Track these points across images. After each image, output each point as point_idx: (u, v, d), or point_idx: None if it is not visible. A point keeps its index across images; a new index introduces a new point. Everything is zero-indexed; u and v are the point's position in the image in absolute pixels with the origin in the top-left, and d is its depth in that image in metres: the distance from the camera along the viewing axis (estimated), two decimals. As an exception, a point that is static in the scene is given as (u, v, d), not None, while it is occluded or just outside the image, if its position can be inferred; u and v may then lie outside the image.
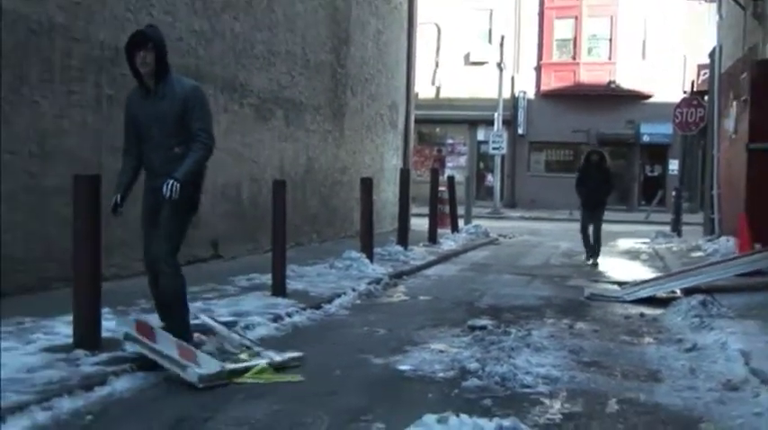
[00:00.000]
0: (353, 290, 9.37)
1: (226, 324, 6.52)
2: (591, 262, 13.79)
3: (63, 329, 6.18)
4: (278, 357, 5.92)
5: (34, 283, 8.04)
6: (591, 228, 13.89)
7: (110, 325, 6.29)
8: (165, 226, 5.79)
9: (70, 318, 6.04)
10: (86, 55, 8.88)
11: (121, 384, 5.12)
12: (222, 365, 5.46)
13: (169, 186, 5.59)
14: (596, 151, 14.37)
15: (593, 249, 13.91)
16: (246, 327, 6.90)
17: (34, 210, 8.07)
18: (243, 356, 5.90)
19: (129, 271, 9.14)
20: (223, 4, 11.61)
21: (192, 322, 6.25)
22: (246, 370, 5.56)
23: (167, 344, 5.50)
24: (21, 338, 5.98)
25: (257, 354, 5.94)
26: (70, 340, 5.83)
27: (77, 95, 8.77)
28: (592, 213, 13.88)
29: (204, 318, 6.56)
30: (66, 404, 4.65)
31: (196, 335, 6.07)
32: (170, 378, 5.37)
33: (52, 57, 8.37)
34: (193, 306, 7.69)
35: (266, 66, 12.99)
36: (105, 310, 6.30)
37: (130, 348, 5.67)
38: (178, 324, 5.83)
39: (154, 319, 5.98)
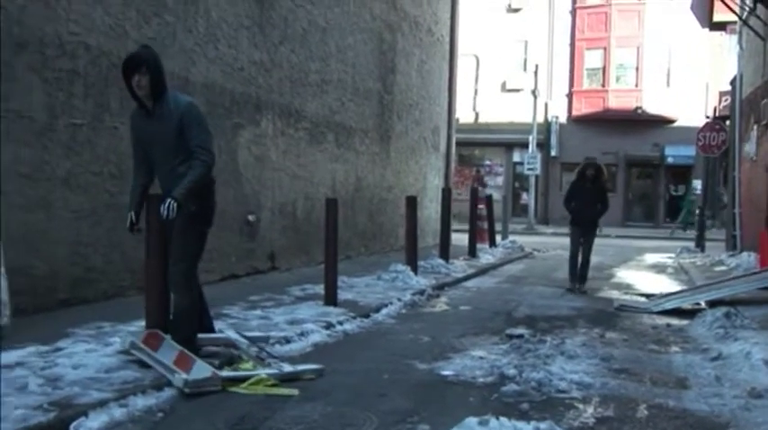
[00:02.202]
0: (399, 300, 9.35)
1: (251, 339, 6.24)
2: (578, 287, 11.35)
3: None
4: (289, 368, 5.66)
5: (112, 291, 8.18)
6: (580, 252, 11.48)
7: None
8: (176, 245, 5.56)
9: (143, 323, 6.12)
10: (159, 85, 9.01)
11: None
12: (214, 372, 5.23)
13: (166, 205, 5.27)
14: (592, 164, 11.55)
15: (581, 274, 11.50)
16: (302, 334, 6.93)
17: (113, 226, 8.20)
18: (246, 366, 5.65)
19: (195, 280, 9.23)
20: (281, 38, 11.74)
21: (216, 336, 6.12)
22: (244, 379, 5.31)
23: (167, 353, 5.33)
24: (100, 341, 6.07)
25: (268, 366, 5.68)
26: (143, 344, 5.89)
27: (150, 121, 8.90)
28: (582, 234, 11.51)
29: (228, 333, 6.32)
30: (139, 402, 4.71)
31: (207, 348, 5.87)
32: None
33: (129, 87, 8.51)
34: (252, 313, 7.81)
35: (319, 93, 13.09)
36: (174, 317, 6.37)
37: (139, 354, 5.43)
38: (183, 340, 5.55)
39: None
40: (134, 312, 6.67)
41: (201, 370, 5.21)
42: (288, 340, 6.65)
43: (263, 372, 5.47)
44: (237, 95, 10.64)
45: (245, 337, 6.23)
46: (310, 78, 12.71)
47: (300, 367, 5.75)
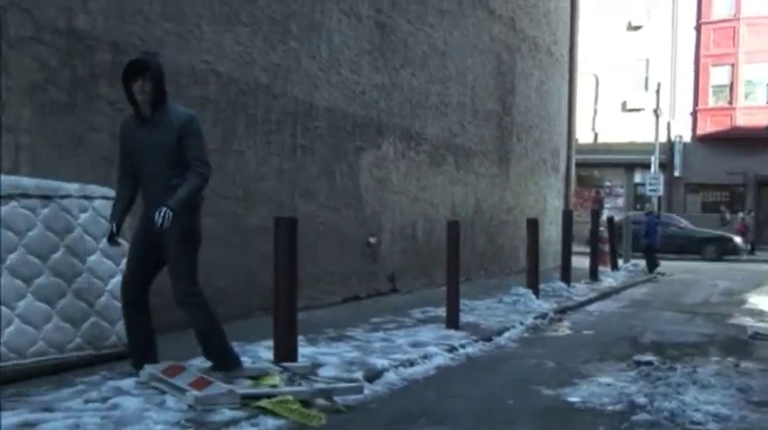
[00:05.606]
0: (521, 323, 9.22)
1: (291, 369, 5.79)
2: None
3: (264, 353, 6.40)
4: (321, 385, 5.36)
5: (239, 312, 8.38)
6: None
7: (304, 350, 6.48)
8: (173, 263, 5.39)
9: (270, 342, 6.24)
10: (283, 109, 9.27)
11: (320, 403, 5.19)
12: (231, 388, 4.96)
13: (162, 214, 5.08)
14: None
15: None
16: (425, 357, 6.91)
17: (239, 247, 8.43)
18: (270, 382, 5.39)
19: (318, 302, 9.40)
20: (402, 62, 11.86)
21: (255, 366, 5.87)
22: (267, 396, 4.99)
23: (186, 378, 5.12)
24: (229, 360, 6.21)
25: (299, 384, 5.37)
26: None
27: (275, 145, 9.15)
28: None
29: (267, 365, 5.89)
30: (270, 421, 4.76)
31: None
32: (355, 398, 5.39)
33: (256, 112, 8.79)
34: (375, 335, 7.85)
35: (439, 115, 13.14)
36: (299, 337, 6.47)
37: (158, 385, 5.23)
38: (217, 353, 5.52)
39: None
40: (260, 332, 6.81)
41: (217, 388, 4.97)
42: (412, 363, 6.64)
43: (287, 389, 5.20)
44: (359, 119, 10.80)
45: (286, 369, 5.77)
46: (430, 101, 12.78)
47: (333, 385, 5.44)
